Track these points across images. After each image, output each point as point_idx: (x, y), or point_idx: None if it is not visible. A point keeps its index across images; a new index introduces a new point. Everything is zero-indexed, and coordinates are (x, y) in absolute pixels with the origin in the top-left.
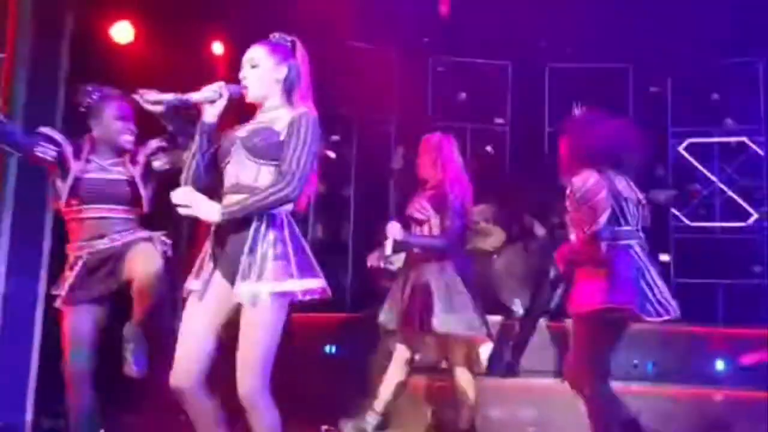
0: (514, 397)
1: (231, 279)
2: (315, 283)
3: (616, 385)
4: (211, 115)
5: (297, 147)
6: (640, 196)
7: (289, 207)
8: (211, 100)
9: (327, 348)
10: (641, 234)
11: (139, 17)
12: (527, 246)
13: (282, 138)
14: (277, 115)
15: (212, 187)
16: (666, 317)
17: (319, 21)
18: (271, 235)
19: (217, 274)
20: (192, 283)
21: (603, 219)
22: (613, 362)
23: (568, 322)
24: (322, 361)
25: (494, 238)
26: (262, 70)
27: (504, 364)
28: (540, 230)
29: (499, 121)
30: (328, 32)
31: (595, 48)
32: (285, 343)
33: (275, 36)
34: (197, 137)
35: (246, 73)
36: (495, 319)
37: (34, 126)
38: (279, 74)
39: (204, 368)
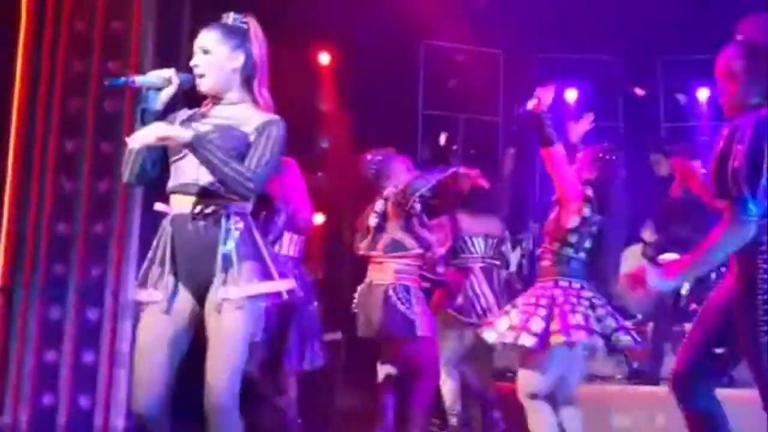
0: (645, 405)
1: (197, 286)
2: (289, 284)
3: None
4: (155, 102)
5: (266, 148)
6: (492, 235)
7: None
8: (157, 86)
9: None
10: (489, 260)
11: None
12: (644, 251)
13: (250, 140)
14: (243, 114)
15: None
16: (475, 320)
17: (425, 24)
18: (241, 237)
19: (179, 283)
20: (151, 294)
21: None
22: None
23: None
24: None
25: None
26: (215, 58)
27: (634, 371)
28: (651, 236)
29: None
30: (435, 35)
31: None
32: None
33: (229, 17)
34: (139, 126)
35: (198, 60)
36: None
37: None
38: (235, 63)
39: (168, 390)
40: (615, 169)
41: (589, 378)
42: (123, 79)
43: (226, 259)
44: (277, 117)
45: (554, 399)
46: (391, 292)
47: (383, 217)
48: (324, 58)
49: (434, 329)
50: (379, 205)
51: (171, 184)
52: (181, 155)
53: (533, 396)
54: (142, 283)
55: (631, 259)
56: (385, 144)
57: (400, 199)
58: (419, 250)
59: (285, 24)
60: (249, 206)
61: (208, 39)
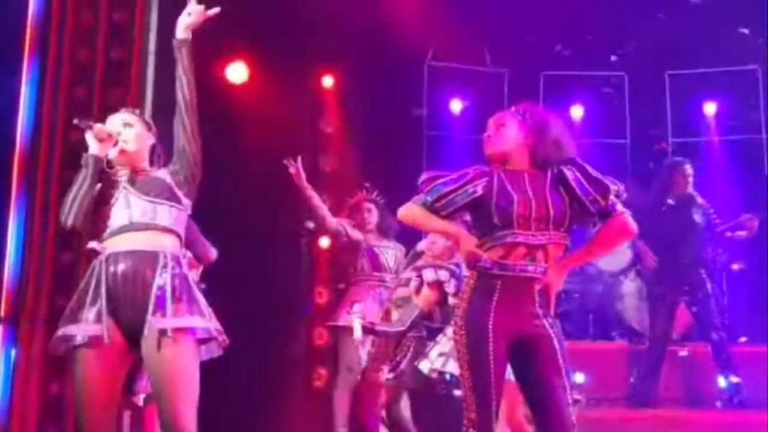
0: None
1: (131, 321)
2: (217, 328)
3: None
4: (103, 150)
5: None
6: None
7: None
8: (102, 137)
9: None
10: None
11: (253, 57)
12: (638, 271)
13: (168, 180)
14: (157, 173)
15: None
16: None
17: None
18: (177, 277)
19: (112, 319)
20: (89, 328)
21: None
22: None
23: (690, 347)
24: None
25: (620, 258)
26: (137, 130)
27: (637, 394)
28: (647, 254)
29: None
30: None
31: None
32: None
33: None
34: (92, 174)
35: (123, 130)
36: (620, 344)
37: None
38: (151, 140)
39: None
40: None
41: (596, 401)
42: (87, 122)
43: (162, 294)
44: None
45: None
46: None
47: None
48: (327, 81)
49: None
50: None
51: (108, 227)
52: (114, 200)
53: None
54: (72, 319)
55: None
56: (390, 164)
57: None
58: None
59: (288, 47)
60: (180, 250)
61: (127, 117)
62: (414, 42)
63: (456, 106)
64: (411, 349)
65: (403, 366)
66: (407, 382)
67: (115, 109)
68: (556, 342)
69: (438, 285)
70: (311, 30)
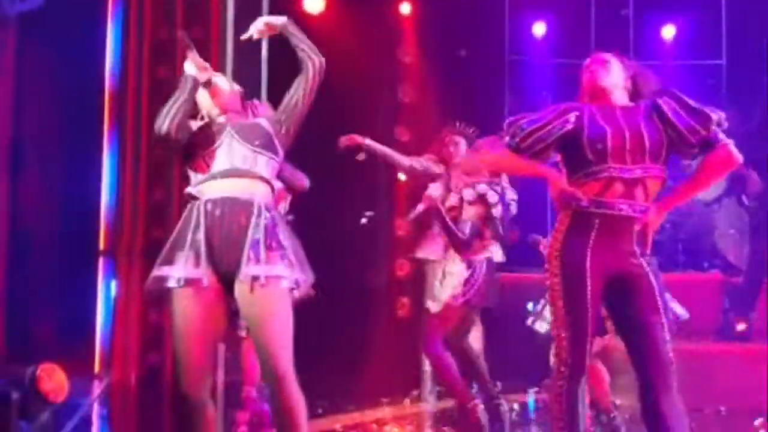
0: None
1: (227, 266)
2: (303, 278)
3: None
4: (201, 77)
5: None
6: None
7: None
8: (206, 70)
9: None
10: None
11: None
12: (740, 199)
13: (268, 128)
14: (257, 120)
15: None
16: None
17: None
18: (269, 226)
19: (209, 263)
20: (188, 272)
21: None
22: None
23: None
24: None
25: (713, 187)
26: (225, 80)
27: (730, 327)
28: (755, 180)
29: None
30: None
31: None
32: None
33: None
34: (189, 90)
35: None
36: (713, 275)
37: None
38: (238, 86)
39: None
40: None
41: (687, 334)
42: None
43: (256, 242)
44: None
45: None
46: None
47: None
48: (405, 8)
49: None
50: None
51: (209, 170)
52: (218, 144)
53: None
54: (170, 261)
55: None
56: (471, 91)
57: None
58: None
59: None
60: (271, 199)
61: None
62: None
63: (539, 29)
64: (483, 267)
65: (477, 286)
66: (482, 302)
67: (196, 46)
68: (653, 279)
69: (480, 199)
70: None
